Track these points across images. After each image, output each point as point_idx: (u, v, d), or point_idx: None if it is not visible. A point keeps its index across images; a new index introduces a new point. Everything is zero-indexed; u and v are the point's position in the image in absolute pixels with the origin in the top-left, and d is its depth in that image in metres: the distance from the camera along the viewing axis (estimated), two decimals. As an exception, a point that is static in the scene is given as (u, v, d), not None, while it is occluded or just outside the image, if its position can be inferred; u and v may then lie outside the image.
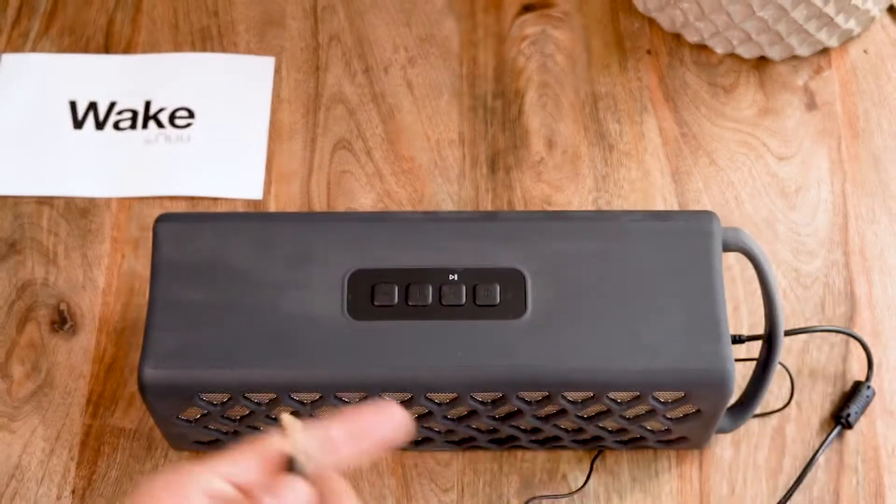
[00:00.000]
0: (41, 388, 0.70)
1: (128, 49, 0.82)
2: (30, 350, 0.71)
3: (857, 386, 0.70)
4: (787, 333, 0.67)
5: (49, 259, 0.74)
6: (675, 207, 0.76)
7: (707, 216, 0.62)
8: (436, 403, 0.61)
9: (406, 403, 0.60)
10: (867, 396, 0.69)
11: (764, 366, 0.64)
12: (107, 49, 0.81)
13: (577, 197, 0.76)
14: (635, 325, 0.59)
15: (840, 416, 0.69)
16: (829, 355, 0.72)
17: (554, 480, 0.68)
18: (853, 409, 0.68)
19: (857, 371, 0.71)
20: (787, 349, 0.71)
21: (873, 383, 0.70)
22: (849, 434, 0.69)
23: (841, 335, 0.71)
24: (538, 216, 0.63)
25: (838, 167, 0.77)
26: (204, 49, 0.81)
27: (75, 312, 0.72)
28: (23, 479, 0.68)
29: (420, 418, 0.63)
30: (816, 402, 0.70)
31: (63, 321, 0.72)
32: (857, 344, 0.71)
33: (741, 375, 0.66)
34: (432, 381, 0.59)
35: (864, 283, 0.73)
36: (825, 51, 0.81)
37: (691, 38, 0.80)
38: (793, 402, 0.70)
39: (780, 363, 0.69)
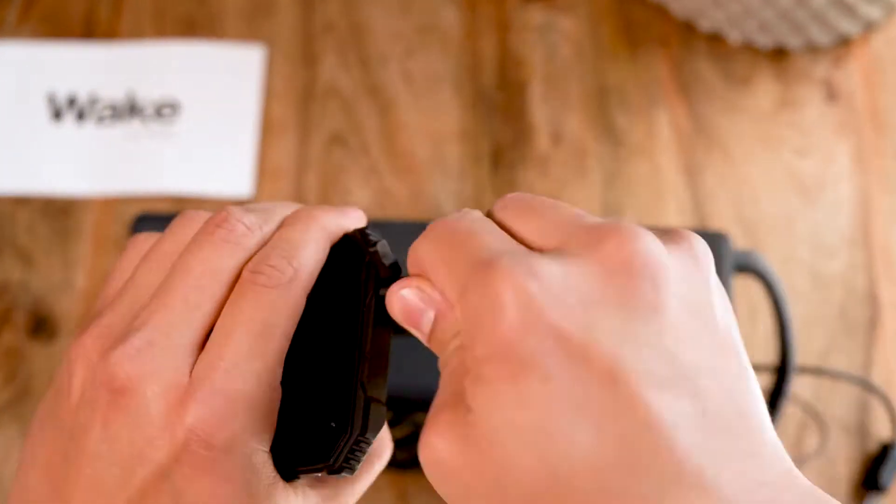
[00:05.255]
0: (19, 396, 0.68)
1: (110, 35, 0.79)
2: (6, 356, 0.69)
3: (886, 450, 0.66)
4: (802, 371, 0.66)
5: (26, 260, 0.72)
6: (688, 205, 0.73)
7: (717, 238, 0.60)
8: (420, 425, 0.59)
9: (389, 423, 0.57)
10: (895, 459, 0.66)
11: (774, 397, 0.62)
12: (88, 36, 0.79)
13: (584, 194, 0.74)
14: None
15: (871, 482, 0.66)
16: (849, 390, 0.69)
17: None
18: (885, 474, 0.65)
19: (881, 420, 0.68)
20: (802, 381, 0.68)
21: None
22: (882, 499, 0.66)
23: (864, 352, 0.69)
24: None
25: (860, 162, 0.75)
26: (190, 37, 0.79)
27: (54, 316, 0.70)
28: (0, 492, 0.66)
29: (406, 439, 0.61)
30: (842, 453, 0.67)
31: (41, 326, 0.70)
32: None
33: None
34: (418, 399, 0.56)
35: (887, 286, 0.71)
36: (846, 40, 0.78)
37: (705, 26, 0.79)
38: (818, 452, 0.67)
39: (812, 408, 0.67)
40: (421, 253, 0.35)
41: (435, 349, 0.34)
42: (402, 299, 0.34)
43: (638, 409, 0.29)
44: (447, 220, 0.35)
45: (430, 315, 0.34)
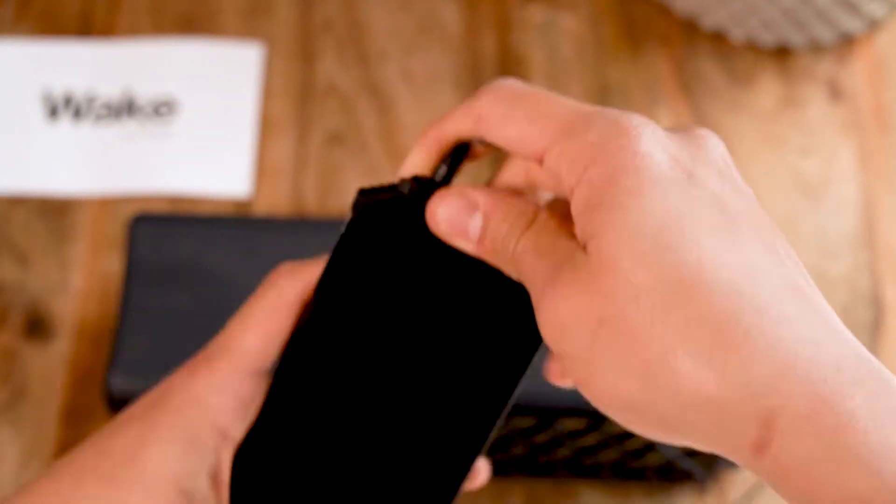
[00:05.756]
0: (13, 397, 0.68)
1: (107, 33, 0.79)
2: (1, 358, 0.69)
3: None
4: None
5: (22, 260, 0.71)
6: (691, 205, 0.73)
7: None
8: None
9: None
10: None
11: None
12: (85, 33, 0.79)
13: (585, 194, 0.73)
14: None
15: None
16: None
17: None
18: None
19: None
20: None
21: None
22: None
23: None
24: None
25: (864, 162, 0.75)
26: (188, 35, 0.79)
27: (50, 317, 0.70)
28: (-3, 494, 0.65)
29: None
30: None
31: (37, 327, 0.70)
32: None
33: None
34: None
35: (892, 287, 0.70)
36: (850, 38, 0.78)
37: (707, 25, 0.78)
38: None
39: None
40: (486, 109, 0.36)
41: (490, 249, 0.36)
42: (446, 214, 0.37)
43: (759, 228, 0.33)
44: (503, 82, 0.37)
45: (478, 219, 0.36)
